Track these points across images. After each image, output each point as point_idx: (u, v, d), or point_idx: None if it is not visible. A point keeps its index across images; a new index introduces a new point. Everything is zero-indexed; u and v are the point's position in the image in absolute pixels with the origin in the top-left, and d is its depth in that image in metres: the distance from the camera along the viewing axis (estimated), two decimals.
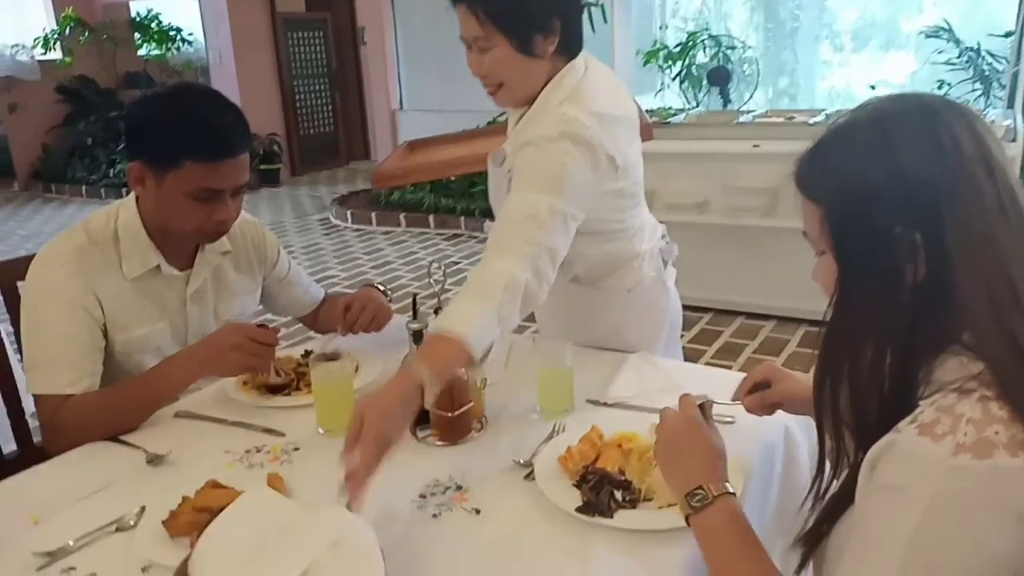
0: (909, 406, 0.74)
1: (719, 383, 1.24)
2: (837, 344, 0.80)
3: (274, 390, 1.48)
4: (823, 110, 4.31)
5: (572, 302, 1.63)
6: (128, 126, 1.44)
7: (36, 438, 1.56)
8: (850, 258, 0.78)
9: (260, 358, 1.41)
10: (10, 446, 1.64)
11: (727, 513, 0.92)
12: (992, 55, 6.08)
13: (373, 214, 6.45)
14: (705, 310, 3.93)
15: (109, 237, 1.47)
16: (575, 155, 1.34)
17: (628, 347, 1.61)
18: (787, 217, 3.65)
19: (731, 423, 1.25)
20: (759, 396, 1.15)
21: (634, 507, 1.07)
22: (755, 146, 3.70)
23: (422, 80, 8.70)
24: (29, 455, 1.55)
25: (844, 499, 0.82)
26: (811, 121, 3.93)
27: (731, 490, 0.94)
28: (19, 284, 1.59)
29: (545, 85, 1.43)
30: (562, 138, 1.34)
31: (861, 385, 0.78)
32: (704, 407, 1.03)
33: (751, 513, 0.95)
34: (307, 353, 1.59)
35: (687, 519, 0.93)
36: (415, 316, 1.33)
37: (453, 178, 5.72)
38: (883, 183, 0.74)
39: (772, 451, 1.26)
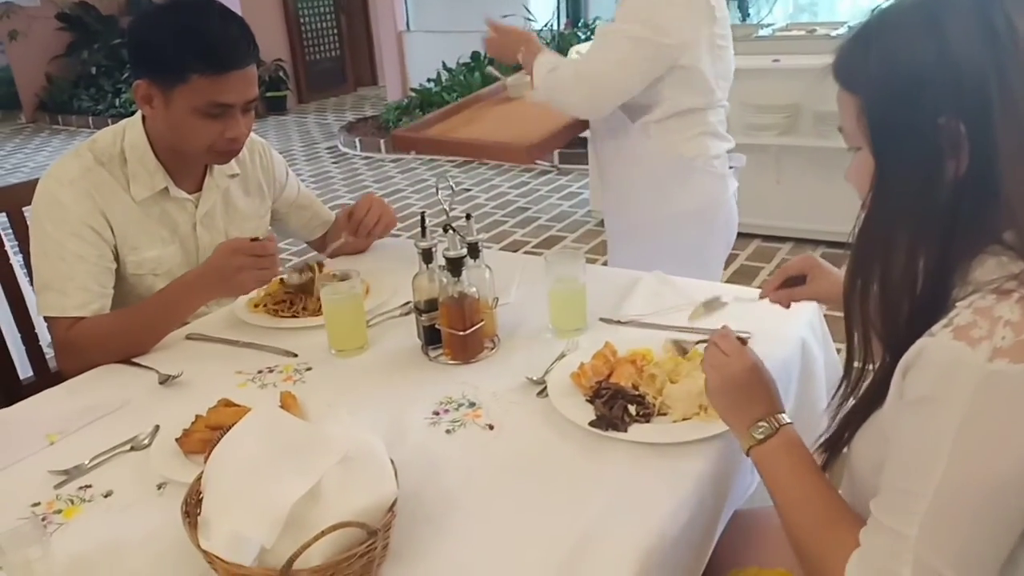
0: (942, 309, 0.71)
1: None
2: (870, 244, 0.76)
3: (301, 289, 1.48)
4: (845, 22, 4.13)
5: (631, 145, 1.80)
6: (131, 43, 1.39)
7: (52, 366, 1.57)
8: (888, 152, 0.73)
9: (267, 269, 1.41)
10: (26, 372, 1.65)
11: (790, 441, 0.90)
12: None
13: (382, 141, 6.35)
14: None
15: (116, 157, 1.44)
16: None
17: (670, 228, 1.78)
18: (806, 136, 3.56)
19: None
20: (787, 292, 1.10)
21: (648, 421, 1.06)
22: (775, 60, 3.58)
23: (428, 0, 8.44)
24: (44, 381, 1.57)
25: (868, 405, 0.80)
26: (833, 34, 3.78)
27: (788, 420, 0.92)
28: (25, 210, 1.57)
29: None
30: None
31: (893, 286, 0.74)
32: (744, 341, 1.00)
33: None
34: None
35: (748, 451, 0.92)
36: (424, 234, 1.30)
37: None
38: (929, 70, 0.69)
39: (789, 365, 1.24)
